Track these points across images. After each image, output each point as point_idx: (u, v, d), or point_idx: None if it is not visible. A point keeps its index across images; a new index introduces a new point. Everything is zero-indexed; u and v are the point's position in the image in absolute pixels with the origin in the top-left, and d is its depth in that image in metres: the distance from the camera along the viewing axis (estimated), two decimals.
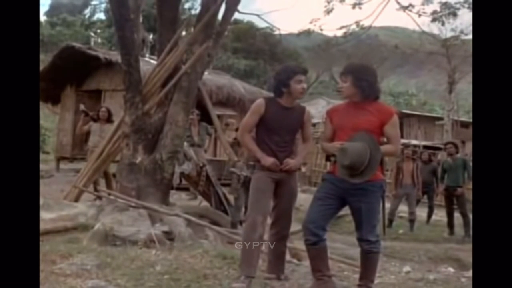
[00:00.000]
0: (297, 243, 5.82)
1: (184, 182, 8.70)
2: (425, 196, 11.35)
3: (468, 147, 23.19)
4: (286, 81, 3.91)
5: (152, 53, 17.53)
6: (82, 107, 10.11)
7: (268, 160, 3.89)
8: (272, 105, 3.96)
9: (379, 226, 3.75)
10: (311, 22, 15.01)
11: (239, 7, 8.46)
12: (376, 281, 3.88)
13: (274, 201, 4.05)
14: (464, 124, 29.08)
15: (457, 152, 10.28)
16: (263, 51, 38.27)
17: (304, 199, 11.25)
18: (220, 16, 8.12)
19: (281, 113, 3.94)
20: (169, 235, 5.79)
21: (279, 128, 3.94)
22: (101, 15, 45.98)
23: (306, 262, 5.19)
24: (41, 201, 6.21)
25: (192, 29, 8.53)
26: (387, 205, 10.31)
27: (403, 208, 10.62)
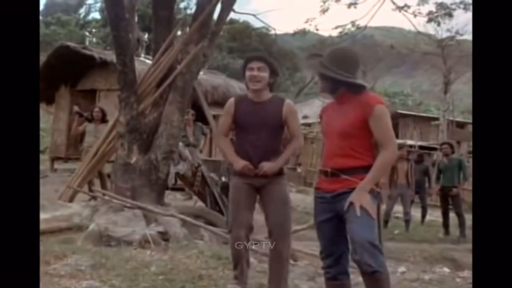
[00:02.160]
0: (293, 243, 5.80)
1: (179, 182, 8.68)
2: (417, 196, 11.36)
3: (464, 148, 23.23)
4: (242, 71, 3.67)
5: (147, 53, 17.48)
6: (75, 108, 10.10)
7: (240, 163, 3.56)
8: (242, 102, 3.68)
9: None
10: (306, 22, 15.06)
11: (235, 7, 8.45)
12: None
13: (263, 212, 3.71)
14: (459, 125, 29.17)
15: (452, 152, 10.31)
16: (258, 51, 38.29)
17: (300, 199, 11.25)
18: (215, 15, 8.10)
19: (251, 109, 3.61)
20: (164, 236, 5.77)
21: (251, 125, 3.59)
22: (96, 15, 45.97)
23: (302, 263, 5.20)
24: None
25: (187, 29, 8.50)
26: (383, 206, 10.35)
27: (398, 209, 10.63)
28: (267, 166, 3.54)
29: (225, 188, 3.60)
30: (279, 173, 3.65)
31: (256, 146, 3.57)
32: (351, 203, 2.85)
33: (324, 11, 14.34)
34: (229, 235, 3.71)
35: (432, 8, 14.98)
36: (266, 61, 3.66)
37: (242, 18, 38.71)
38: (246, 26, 38.77)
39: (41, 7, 49.77)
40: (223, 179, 6.93)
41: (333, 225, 3.00)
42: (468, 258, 5.86)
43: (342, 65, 2.99)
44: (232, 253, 3.65)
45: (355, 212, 2.82)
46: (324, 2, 14.23)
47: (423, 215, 11.28)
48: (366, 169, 2.92)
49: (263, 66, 3.61)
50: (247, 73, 3.61)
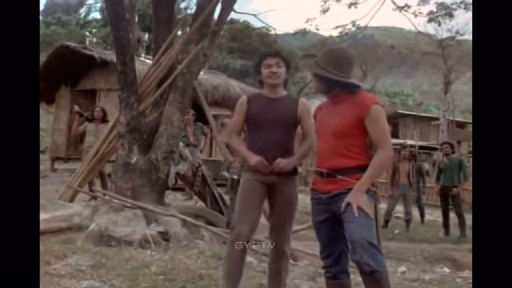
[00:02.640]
0: (293, 243, 5.79)
1: (179, 182, 8.68)
2: None
3: (464, 148, 23.24)
4: (257, 68, 3.56)
5: (147, 53, 17.48)
6: (76, 108, 10.09)
7: (254, 159, 3.41)
8: (256, 99, 3.59)
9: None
10: (306, 22, 15.09)
11: (235, 7, 8.45)
12: None
13: (269, 209, 3.60)
14: (459, 124, 29.18)
15: (453, 152, 10.30)
16: (259, 50, 38.24)
17: (300, 199, 11.19)
18: (216, 15, 8.11)
19: (265, 105, 3.52)
20: (164, 236, 5.77)
21: (264, 121, 3.47)
22: (96, 15, 45.96)
23: (302, 262, 5.20)
24: None
25: (187, 29, 8.51)
26: (384, 205, 10.39)
27: (399, 209, 10.64)
28: (283, 163, 3.41)
29: (236, 185, 3.28)
30: (293, 172, 3.55)
31: (270, 142, 3.45)
32: (348, 204, 2.84)
33: (324, 11, 14.36)
34: (231, 231, 3.51)
35: (433, 8, 15.01)
36: (281, 56, 3.59)
37: (242, 18, 38.79)
38: (247, 26, 38.73)
39: (42, 7, 49.81)
40: (235, 176, 6.78)
41: (331, 226, 2.99)
42: (468, 258, 5.86)
43: (337, 65, 2.99)
44: (229, 252, 3.42)
45: (353, 213, 2.80)
46: (324, 2, 14.26)
47: (422, 215, 11.26)
48: (362, 168, 2.91)
49: (279, 61, 3.54)
50: (265, 70, 3.51)
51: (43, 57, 15.42)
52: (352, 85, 3.02)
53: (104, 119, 9.20)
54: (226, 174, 7.76)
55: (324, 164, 3.01)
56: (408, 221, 10.12)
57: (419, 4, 14.69)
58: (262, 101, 3.54)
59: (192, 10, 29.00)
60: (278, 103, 3.52)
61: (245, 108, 3.55)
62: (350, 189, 2.88)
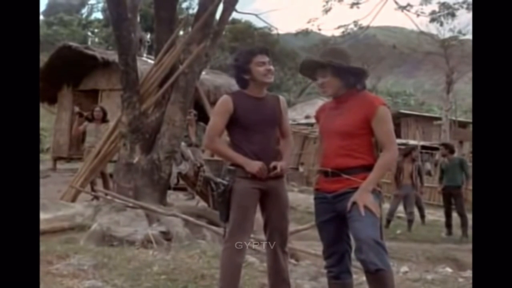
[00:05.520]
0: (295, 243, 5.80)
1: (181, 182, 8.68)
2: None
3: (466, 147, 23.20)
4: (246, 66, 3.29)
5: (149, 53, 17.52)
6: (76, 109, 10.15)
7: (256, 165, 3.21)
8: (241, 99, 3.32)
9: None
10: (309, 22, 15.14)
11: (237, 7, 8.45)
12: None
13: (263, 216, 3.41)
14: (461, 124, 29.15)
15: (451, 153, 10.28)
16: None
17: (302, 199, 11.21)
18: (218, 15, 8.11)
19: (254, 106, 3.30)
20: (166, 235, 5.77)
21: (258, 123, 3.29)
22: (98, 15, 46.10)
23: (304, 262, 5.19)
24: None
25: (189, 29, 8.51)
26: (387, 205, 10.39)
27: (400, 209, 10.64)
28: (283, 165, 3.29)
29: (228, 192, 3.09)
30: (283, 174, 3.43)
31: (264, 145, 3.30)
32: (354, 203, 2.84)
33: (326, 11, 14.40)
34: (228, 240, 3.30)
35: (435, 7, 15.03)
36: (269, 53, 3.41)
37: (244, 18, 38.84)
38: (249, 26, 38.79)
39: (44, 7, 49.96)
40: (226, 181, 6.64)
41: (335, 225, 2.99)
42: (470, 258, 5.85)
43: (347, 60, 3.00)
44: (229, 262, 3.27)
45: (359, 212, 2.80)
46: (326, 2, 14.30)
47: (422, 215, 11.25)
48: (367, 168, 2.91)
49: (269, 59, 3.36)
50: (260, 68, 3.28)
51: (45, 57, 15.45)
52: (364, 72, 3.04)
53: (104, 119, 9.22)
54: (210, 176, 7.62)
55: (329, 164, 3.00)
56: (410, 221, 10.12)
57: (421, 4, 14.72)
58: (250, 101, 3.31)
59: (194, 10, 29.03)
60: (265, 103, 3.36)
61: (231, 107, 3.27)
62: (355, 188, 2.87)
